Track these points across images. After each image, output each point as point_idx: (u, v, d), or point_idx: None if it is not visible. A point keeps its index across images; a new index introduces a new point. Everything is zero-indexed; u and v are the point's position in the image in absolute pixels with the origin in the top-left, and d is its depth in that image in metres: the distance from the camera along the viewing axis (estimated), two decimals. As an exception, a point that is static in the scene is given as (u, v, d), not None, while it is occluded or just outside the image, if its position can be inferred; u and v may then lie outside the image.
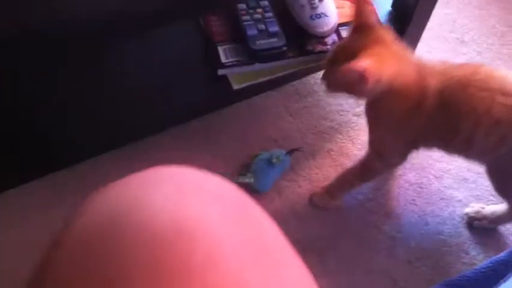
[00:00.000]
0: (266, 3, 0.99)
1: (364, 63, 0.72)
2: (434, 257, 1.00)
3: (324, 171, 1.10)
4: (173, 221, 0.28)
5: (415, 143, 0.91)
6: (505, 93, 0.81)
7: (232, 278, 0.27)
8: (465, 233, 1.03)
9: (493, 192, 1.05)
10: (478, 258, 1.00)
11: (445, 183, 1.09)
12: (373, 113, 0.89)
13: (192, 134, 1.12)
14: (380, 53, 0.78)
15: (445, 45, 1.28)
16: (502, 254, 0.87)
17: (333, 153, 1.13)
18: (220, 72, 0.95)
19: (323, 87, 0.87)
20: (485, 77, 0.82)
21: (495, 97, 0.80)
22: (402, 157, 0.94)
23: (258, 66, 0.96)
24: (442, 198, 1.08)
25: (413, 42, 1.10)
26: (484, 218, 1.02)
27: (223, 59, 0.95)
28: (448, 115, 0.83)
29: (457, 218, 1.05)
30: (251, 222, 0.30)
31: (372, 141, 0.94)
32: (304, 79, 1.18)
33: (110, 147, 0.91)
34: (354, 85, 0.76)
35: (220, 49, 0.96)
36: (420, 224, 1.04)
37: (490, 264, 0.85)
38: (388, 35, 0.81)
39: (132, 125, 0.94)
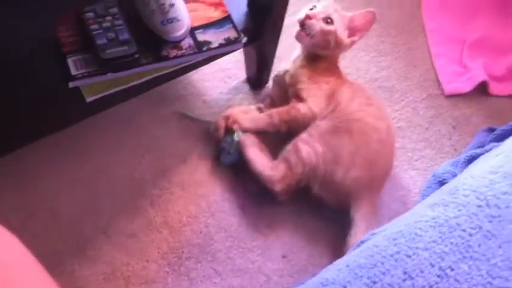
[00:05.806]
0: (115, 10, 0.96)
1: None
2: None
3: (197, 177, 1.10)
4: None
5: None
6: None
7: None
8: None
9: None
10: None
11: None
12: None
13: (56, 147, 1.07)
14: None
15: None
16: None
17: (205, 157, 1.12)
18: (72, 84, 0.92)
19: None
20: None
21: None
22: None
23: (110, 75, 0.93)
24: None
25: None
26: None
27: (73, 71, 0.92)
28: None
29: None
30: None
31: None
32: (170, 84, 1.16)
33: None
34: None
35: (70, 60, 0.92)
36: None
37: None
38: None
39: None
